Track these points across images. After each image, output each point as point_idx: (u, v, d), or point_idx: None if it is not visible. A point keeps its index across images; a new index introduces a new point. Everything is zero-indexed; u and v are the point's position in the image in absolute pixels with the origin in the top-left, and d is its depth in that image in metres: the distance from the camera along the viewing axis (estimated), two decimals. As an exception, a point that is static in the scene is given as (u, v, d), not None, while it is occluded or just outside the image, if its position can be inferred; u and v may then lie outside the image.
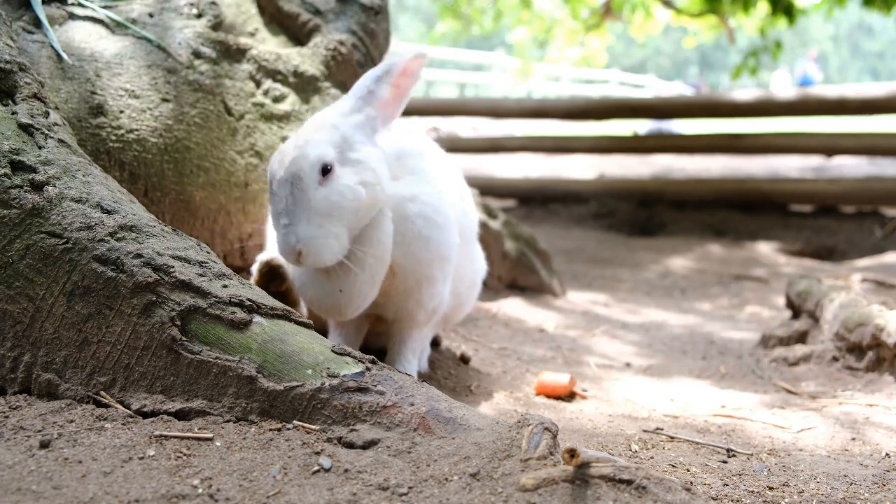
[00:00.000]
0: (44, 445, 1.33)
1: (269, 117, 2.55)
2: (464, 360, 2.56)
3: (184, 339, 1.48)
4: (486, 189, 6.27)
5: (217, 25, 2.53)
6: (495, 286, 3.77)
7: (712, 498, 1.51)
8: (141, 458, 1.30)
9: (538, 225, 6.51)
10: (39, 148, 1.66)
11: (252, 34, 2.65)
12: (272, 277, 2.10)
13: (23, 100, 1.75)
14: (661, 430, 2.04)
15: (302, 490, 1.23)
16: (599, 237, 6.39)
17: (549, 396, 2.34)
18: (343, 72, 2.73)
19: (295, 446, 1.36)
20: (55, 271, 1.53)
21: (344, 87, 2.68)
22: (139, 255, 1.54)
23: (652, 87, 26.23)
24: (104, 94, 2.22)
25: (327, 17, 2.77)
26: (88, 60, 2.25)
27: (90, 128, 2.17)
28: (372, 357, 1.53)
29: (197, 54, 2.43)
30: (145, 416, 1.46)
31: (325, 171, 1.75)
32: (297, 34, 2.76)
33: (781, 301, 3.78)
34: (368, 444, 1.36)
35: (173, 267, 1.54)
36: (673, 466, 1.72)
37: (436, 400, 1.44)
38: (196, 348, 1.48)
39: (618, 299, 4.24)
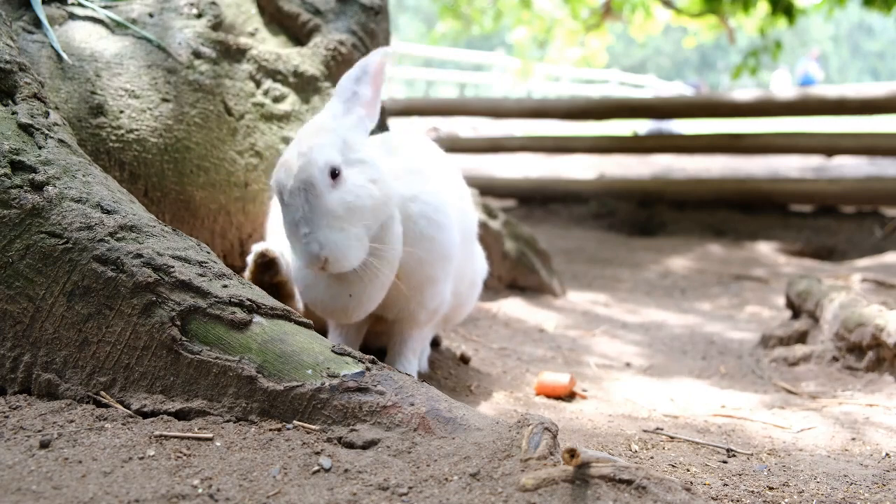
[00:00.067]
0: (44, 445, 1.33)
1: (269, 117, 2.55)
2: (464, 360, 2.56)
3: (184, 339, 1.48)
4: (486, 189, 6.27)
5: (217, 25, 2.53)
6: (495, 286, 3.77)
7: (712, 498, 1.51)
8: (141, 458, 1.30)
9: (538, 225, 6.51)
10: (39, 148, 1.66)
11: (252, 34, 2.65)
12: (267, 268, 2.10)
13: (23, 100, 1.75)
14: (661, 430, 2.04)
15: (302, 490, 1.23)
16: (599, 237, 6.39)
17: (549, 396, 2.34)
18: (343, 72, 2.71)
19: (295, 446, 1.36)
20: (55, 271, 1.53)
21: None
22: (139, 255, 1.54)
23: (652, 87, 26.23)
24: (104, 94, 2.22)
25: (327, 17, 2.77)
26: (88, 60, 2.25)
27: (90, 128, 2.17)
28: (372, 357, 1.53)
29: (197, 54, 2.43)
30: (145, 416, 1.46)
31: (335, 174, 1.74)
32: (297, 34, 2.76)
33: (781, 301, 3.78)
34: (368, 444, 1.36)
35: (173, 267, 1.54)
36: (673, 466, 1.72)
37: (436, 400, 1.44)
38: (196, 348, 1.48)
39: (618, 299, 4.24)
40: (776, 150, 7.29)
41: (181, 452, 1.33)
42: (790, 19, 9.30)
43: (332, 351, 1.52)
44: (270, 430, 1.41)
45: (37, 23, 2.19)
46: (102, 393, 1.49)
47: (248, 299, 1.55)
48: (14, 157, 1.61)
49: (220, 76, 2.46)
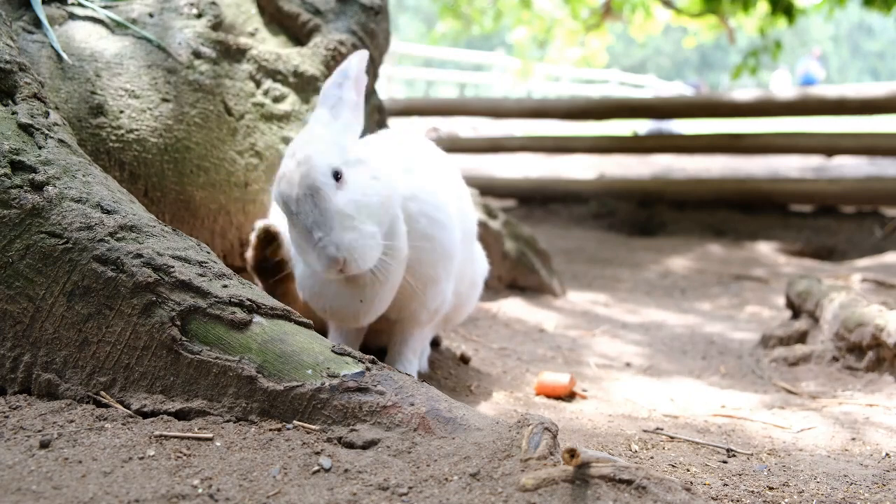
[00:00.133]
0: (44, 445, 1.33)
1: (269, 117, 2.55)
2: (464, 360, 2.56)
3: (184, 339, 1.48)
4: (486, 189, 6.26)
5: (217, 25, 2.53)
6: (495, 286, 3.77)
7: (712, 498, 1.51)
8: (141, 458, 1.30)
9: (538, 225, 6.51)
10: (39, 148, 1.66)
11: (252, 34, 2.65)
12: (269, 242, 2.12)
13: (23, 100, 1.75)
14: (661, 430, 2.04)
15: (302, 490, 1.23)
16: (599, 237, 6.39)
17: (549, 396, 2.34)
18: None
19: (295, 446, 1.36)
20: (55, 271, 1.53)
21: (344, 87, 2.68)
22: (139, 255, 1.54)
23: (652, 87, 26.24)
24: (104, 94, 2.22)
25: (327, 17, 2.77)
26: (88, 60, 2.25)
27: (90, 128, 2.17)
28: (372, 357, 1.53)
29: (197, 54, 2.43)
30: (145, 416, 1.46)
31: (337, 176, 1.73)
32: (297, 34, 2.76)
33: (781, 301, 3.78)
34: (368, 444, 1.36)
35: (173, 267, 1.54)
36: (673, 466, 1.72)
37: (436, 400, 1.44)
38: (196, 348, 1.48)
39: (618, 299, 4.24)
40: (776, 150, 7.29)
41: (181, 452, 1.33)
42: (790, 19, 9.30)
43: (332, 351, 1.52)
44: (270, 430, 1.41)
45: (37, 23, 2.19)
46: (102, 393, 1.49)
47: (248, 299, 1.55)
48: (14, 157, 1.61)
49: (220, 76, 2.46)
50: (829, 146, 6.87)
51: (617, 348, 3.15)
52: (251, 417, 1.44)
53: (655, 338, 3.38)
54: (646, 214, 6.94)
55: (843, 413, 2.26)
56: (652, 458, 1.79)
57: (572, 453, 1.18)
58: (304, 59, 2.66)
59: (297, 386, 1.44)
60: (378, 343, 2.25)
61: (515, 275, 3.90)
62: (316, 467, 1.29)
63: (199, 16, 2.52)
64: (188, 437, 1.37)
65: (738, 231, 6.48)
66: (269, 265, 2.16)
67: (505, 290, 3.85)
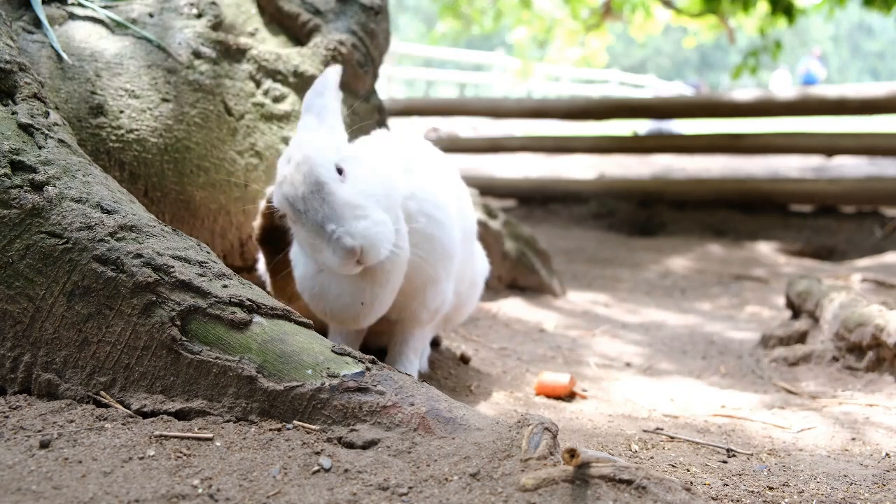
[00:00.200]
0: (44, 445, 1.33)
1: (269, 117, 2.55)
2: (464, 360, 2.56)
3: (184, 339, 1.48)
4: (486, 189, 6.27)
5: (217, 25, 2.53)
6: (495, 286, 3.77)
7: (712, 498, 1.51)
8: (141, 458, 1.30)
9: (538, 225, 6.51)
10: (39, 148, 1.66)
11: (252, 34, 2.65)
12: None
13: (23, 100, 1.75)
14: (661, 430, 2.04)
15: (302, 490, 1.23)
16: (599, 237, 6.39)
17: (549, 396, 2.34)
18: (343, 72, 2.73)
19: (295, 446, 1.36)
20: (55, 271, 1.53)
21: (344, 88, 2.68)
22: (139, 255, 1.54)
23: (652, 87, 26.23)
24: (104, 94, 2.22)
25: (327, 17, 2.77)
26: (88, 60, 2.25)
27: (90, 128, 2.17)
28: (372, 357, 1.53)
29: (197, 54, 2.43)
30: (145, 416, 1.46)
31: (339, 171, 1.74)
32: (297, 34, 2.76)
33: (781, 301, 3.78)
34: (368, 444, 1.36)
35: (173, 267, 1.54)
36: (673, 466, 1.72)
37: (436, 400, 1.44)
38: (196, 348, 1.48)
39: (618, 299, 4.24)
40: (776, 150, 7.29)
41: (181, 452, 1.33)
42: (790, 19, 9.30)
43: (332, 351, 1.52)
44: (270, 430, 1.41)
45: (37, 23, 2.19)
46: (102, 393, 1.49)
47: (248, 299, 1.55)
48: (14, 157, 1.61)
49: (220, 76, 2.46)
50: (829, 146, 6.87)
51: (617, 348, 3.15)
52: (251, 417, 1.44)
53: (655, 338, 3.38)
54: (646, 214, 6.94)
55: (843, 413, 2.26)
56: (652, 458, 1.79)
57: (572, 453, 1.18)
58: (304, 59, 2.66)
59: (297, 386, 1.44)
60: (378, 343, 2.25)
61: (515, 275, 3.90)
62: (316, 467, 1.29)
63: (199, 16, 2.52)
64: (188, 437, 1.37)
65: (738, 231, 6.48)
66: (277, 234, 2.13)
67: (505, 290, 3.85)
